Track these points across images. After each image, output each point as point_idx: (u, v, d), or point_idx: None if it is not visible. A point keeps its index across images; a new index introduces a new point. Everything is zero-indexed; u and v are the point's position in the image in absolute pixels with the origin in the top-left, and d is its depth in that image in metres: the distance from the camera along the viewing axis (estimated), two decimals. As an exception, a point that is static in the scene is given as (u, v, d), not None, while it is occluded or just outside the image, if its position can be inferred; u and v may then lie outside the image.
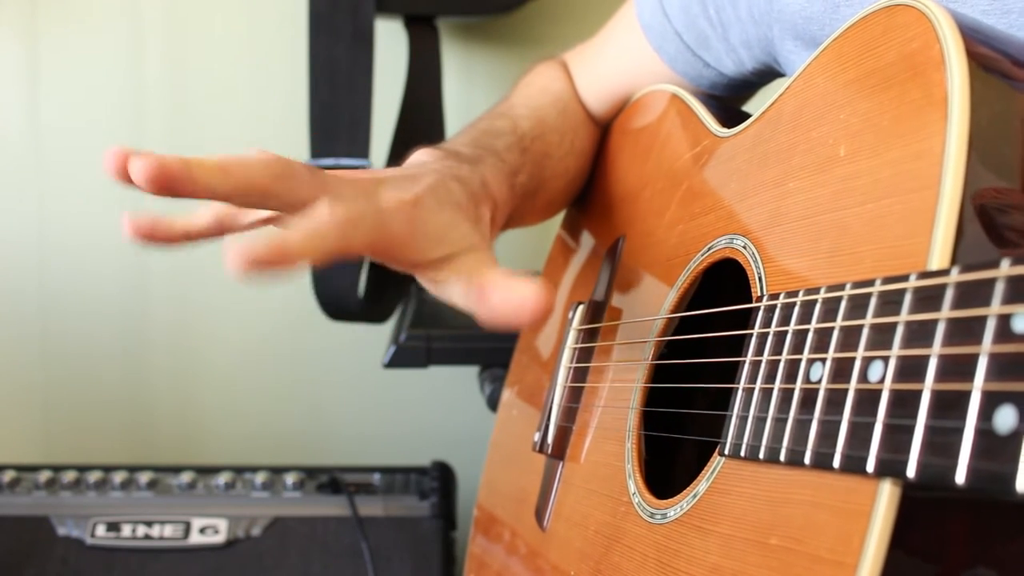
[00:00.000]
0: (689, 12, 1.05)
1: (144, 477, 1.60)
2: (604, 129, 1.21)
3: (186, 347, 2.01)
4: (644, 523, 0.81)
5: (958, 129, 0.57)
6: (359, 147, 1.73)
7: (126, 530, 1.54)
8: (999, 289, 0.47)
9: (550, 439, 1.04)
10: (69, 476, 1.59)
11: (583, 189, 1.21)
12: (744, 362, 0.71)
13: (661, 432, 0.90)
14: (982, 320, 0.48)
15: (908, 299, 0.54)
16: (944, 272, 0.52)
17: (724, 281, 0.85)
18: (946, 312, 0.50)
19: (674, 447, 0.93)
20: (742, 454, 0.68)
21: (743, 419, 0.69)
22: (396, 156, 1.79)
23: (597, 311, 1.05)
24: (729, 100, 1.14)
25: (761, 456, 0.65)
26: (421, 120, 1.81)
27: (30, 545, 1.53)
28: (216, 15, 1.97)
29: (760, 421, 0.66)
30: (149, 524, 1.55)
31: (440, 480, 1.62)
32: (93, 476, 1.59)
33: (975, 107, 0.57)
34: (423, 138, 1.78)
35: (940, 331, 0.50)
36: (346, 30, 1.73)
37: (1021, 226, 0.55)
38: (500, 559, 1.13)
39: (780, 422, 0.64)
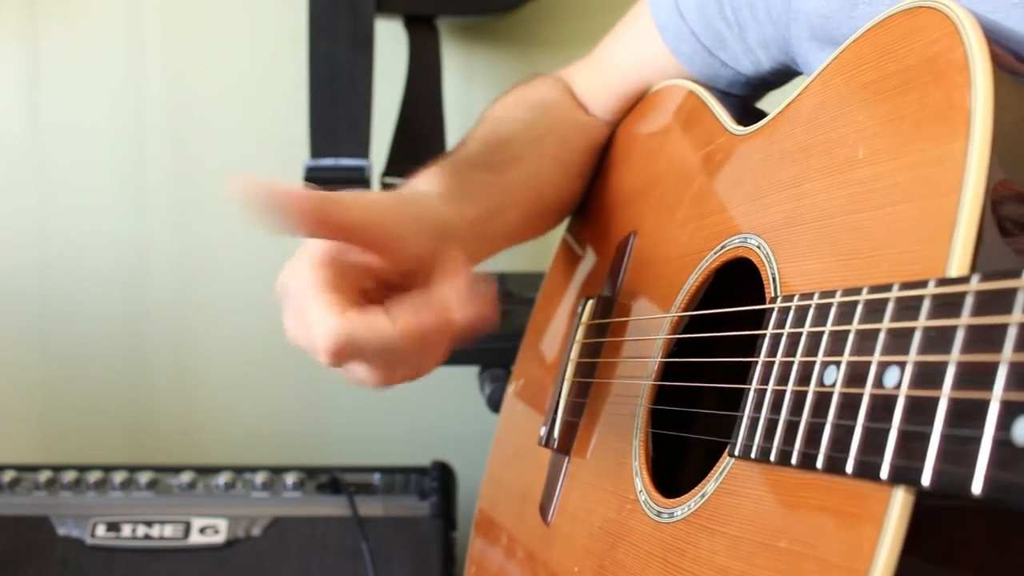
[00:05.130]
0: (705, 13, 1.05)
1: (144, 477, 1.59)
2: (615, 126, 1.21)
3: (186, 347, 2.01)
4: (650, 521, 0.81)
5: (981, 134, 0.56)
6: (359, 147, 1.73)
7: (126, 530, 1.54)
8: (1020, 298, 0.47)
9: (556, 434, 1.04)
10: (69, 476, 1.59)
11: (591, 186, 1.21)
12: (757, 363, 0.71)
13: (669, 430, 0.90)
14: (1002, 329, 0.47)
15: (927, 305, 0.53)
16: (964, 279, 0.51)
17: (736, 280, 0.85)
18: (965, 319, 0.50)
19: (682, 445, 0.93)
20: (752, 455, 0.68)
21: (754, 420, 0.69)
22: (396, 156, 1.79)
23: (606, 306, 1.05)
24: (746, 98, 1.14)
25: (772, 458, 0.65)
26: (421, 120, 1.81)
27: (30, 545, 1.52)
28: (216, 16, 1.96)
29: (772, 423, 0.66)
30: (149, 524, 1.55)
31: (440, 480, 1.61)
32: (93, 476, 1.59)
33: (998, 112, 0.57)
34: (423, 138, 1.79)
35: (959, 338, 0.50)
36: (346, 31, 1.73)
37: (1040, 233, 0.55)
38: (503, 553, 1.13)
39: (792, 424, 0.63)
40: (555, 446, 1.03)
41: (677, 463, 0.95)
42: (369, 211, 0.79)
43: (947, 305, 0.52)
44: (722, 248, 0.86)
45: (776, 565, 0.63)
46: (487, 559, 1.17)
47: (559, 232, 1.28)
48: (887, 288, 0.58)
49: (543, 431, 1.07)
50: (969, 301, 0.50)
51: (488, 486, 1.25)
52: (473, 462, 1.63)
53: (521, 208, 1.09)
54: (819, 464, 0.59)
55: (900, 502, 0.53)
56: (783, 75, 1.06)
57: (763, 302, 0.74)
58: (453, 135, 1.81)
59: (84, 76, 1.95)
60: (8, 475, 1.59)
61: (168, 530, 1.54)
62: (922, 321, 0.53)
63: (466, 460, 1.75)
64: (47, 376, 1.98)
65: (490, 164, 1.06)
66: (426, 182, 0.95)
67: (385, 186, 1.77)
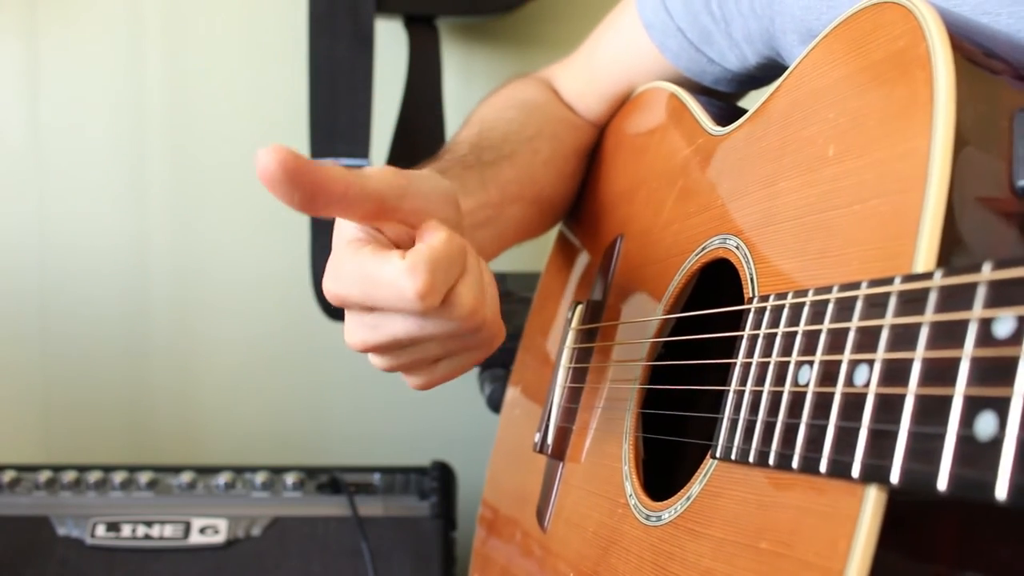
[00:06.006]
0: (691, 8, 1.05)
1: (144, 477, 1.60)
2: (602, 130, 1.21)
3: (186, 347, 2.01)
4: (640, 525, 0.81)
5: (943, 129, 0.56)
6: (359, 147, 1.73)
7: (126, 530, 1.54)
8: (981, 293, 0.47)
9: (550, 440, 1.04)
10: (69, 476, 1.59)
11: (582, 189, 1.21)
12: (735, 364, 0.71)
13: (660, 432, 0.90)
14: (964, 324, 0.47)
15: (893, 302, 0.53)
16: (928, 275, 0.51)
17: (724, 279, 0.85)
18: (930, 316, 0.50)
19: (675, 447, 0.93)
20: (733, 457, 0.68)
21: (734, 421, 0.69)
22: (396, 156, 1.79)
23: (595, 311, 1.05)
24: (731, 96, 1.14)
25: (751, 459, 0.65)
26: (421, 120, 1.81)
27: (30, 545, 1.53)
28: (216, 15, 1.97)
29: (750, 424, 0.66)
30: (149, 524, 1.55)
31: (440, 480, 1.61)
32: (93, 476, 1.59)
33: (961, 106, 0.56)
34: (423, 138, 1.79)
35: (924, 335, 0.50)
36: (346, 30, 1.73)
37: (1005, 227, 0.55)
38: (503, 559, 1.13)
39: (769, 425, 0.64)
40: (549, 452, 1.04)
41: (673, 465, 0.95)
42: (393, 183, 0.75)
43: (912, 302, 0.52)
44: (703, 249, 0.86)
45: (758, 567, 0.63)
46: (489, 563, 1.18)
47: (554, 233, 1.28)
48: (856, 286, 0.58)
49: (537, 437, 1.07)
50: (933, 297, 0.50)
51: (489, 489, 1.25)
52: (473, 462, 1.63)
53: (520, 204, 1.09)
54: (795, 464, 0.59)
55: (873, 500, 0.53)
56: (769, 70, 1.06)
57: (744, 303, 0.74)
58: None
59: (84, 75, 1.96)
60: (8, 475, 1.59)
61: (168, 530, 1.55)
62: (889, 318, 0.53)
63: (466, 460, 1.75)
64: (47, 376, 1.98)
65: (483, 163, 1.05)
66: None
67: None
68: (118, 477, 1.59)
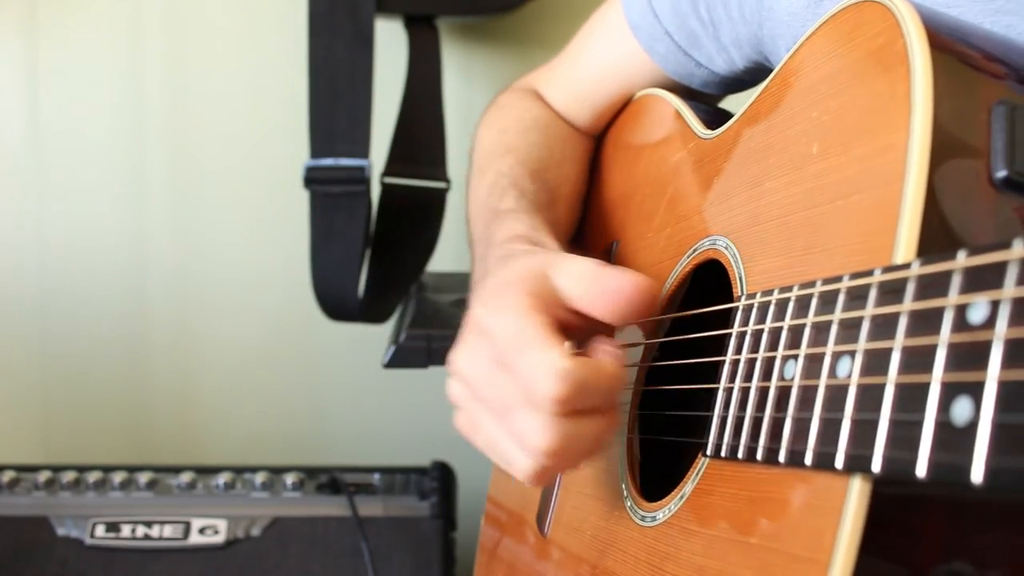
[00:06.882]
0: (679, 12, 1.05)
1: (144, 477, 1.60)
2: (598, 139, 1.21)
3: (186, 347, 2.01)
4: (636, 526, 0.81)
5: (921, 124, 0.57)
6: (359, 147, 1.73)
7: (126, 530, 1.54)
8: (956, 280, 0.48)
9: (548, 445, 1.04)
10: (69, 476, 1.59)
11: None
12: (724, 361, 0.71)
13: (660, 433, 0.91)
14: (940, 311, 0.48)
15: (873, 293, 0.54)
16: (906, 266, 0.52)
17: (717, 281, 0.85)
18: (908, 304, 0.51)
19: (675, 448, 0.93)
20: (723, 454, 0.69)
21: (723, 419, 0.70)
22: (396, 156, 1.79)
23: None
24: (718, 98, 1.14)
25: (740, 455, 0.66)
26: (421, 120, 1.81)
27: (30, 545, 1.53)
28: (216, 15, 1.97)
29: (739, 420, 0.67)
30: (149, 524, 1.55)
31: (440, 480, 1.61)
32: (93, 476, 1.59)
33: (939, 101, 0.57)
34: (423, 138, 1.79)
35: (903, 323, 0.51)
36: (346, 30, 1.73)
37: (983, 218, 0.56)
38: (505, 565, 1.13)
39: (757, 421, 0.64)
40: None
41: (672, 465, 0.95)
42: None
43: (891, 292, 0.52)
44: (694, 251, 0.87)
45: (749, 562, 0.63)
46: (494, 566, 1.18)
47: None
48: (838, 280, 0.58)
49: None
50: (911, 286, 0.51)
51: (493, 493, 1.25)
52: (473, 462, 1.62)
53: (561, 239, 1.10)
54: (781, 458, 0.60)
55: (857, 491, 0.53)
56: (757, 73, 1.06)
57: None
58: (453, 135, 1.81)
59: (84, 75, 1.96)
60: (8, 475, 1.59)
61: (168, 530, 1.55)
62: (869, 309, 0.54)
63: (466, 460, 1.74)
64: (47, 376, 1.99)
65: (551, 201, 1.08)
66: (540, 235, 0.96)
67: (385, 186, 1.78)
68: (118, 477, 1.59)
